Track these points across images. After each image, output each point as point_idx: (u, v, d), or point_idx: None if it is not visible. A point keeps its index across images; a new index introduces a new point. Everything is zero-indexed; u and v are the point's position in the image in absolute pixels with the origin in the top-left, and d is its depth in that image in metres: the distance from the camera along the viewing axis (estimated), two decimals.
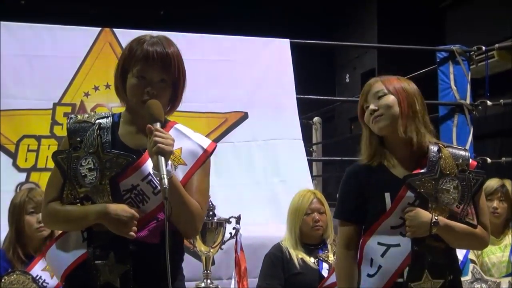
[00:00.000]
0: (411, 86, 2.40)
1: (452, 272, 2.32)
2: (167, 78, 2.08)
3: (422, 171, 2.30)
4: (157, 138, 1.94)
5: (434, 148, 2.34)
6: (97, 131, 2.09)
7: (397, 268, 2.28)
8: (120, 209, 2.01)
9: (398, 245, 2.30)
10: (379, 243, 2.32)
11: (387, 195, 2.30)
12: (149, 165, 2.04)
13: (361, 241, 2.38)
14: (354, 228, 2.40)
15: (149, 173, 2.05)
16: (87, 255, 2.05)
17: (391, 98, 2.33)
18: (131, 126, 2.14)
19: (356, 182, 2.40)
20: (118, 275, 2.02)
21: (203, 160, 2.14)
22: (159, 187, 2.04)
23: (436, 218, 2.24)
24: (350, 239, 2.40)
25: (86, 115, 2.18)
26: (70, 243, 2.12)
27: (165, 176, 1.89)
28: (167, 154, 1.95)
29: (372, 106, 2.33)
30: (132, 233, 2.01)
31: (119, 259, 2.03)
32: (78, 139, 2.09)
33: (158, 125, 2.00)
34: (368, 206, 2.35)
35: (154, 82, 2.06)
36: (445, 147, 2.36)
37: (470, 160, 2.37)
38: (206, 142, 2.18)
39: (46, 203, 2.11)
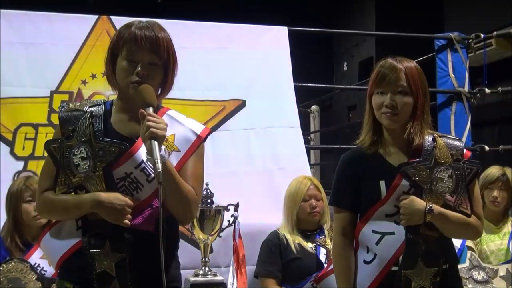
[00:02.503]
0: (426, 83, 2.36)
1: (448, 261, 2.32)
2: (157, 61, 2.07)
3: (417, 159, 2.30)
4: (149, 123, 1.94)
5: (428, 138, 2.34)
6: (89, 119, 2.08)
7: (392, 256, 2.28)
8: (113, 197, 2.01)
9: (393, 233, 2.30)
10: (373, 231, 2.32)
11: (382, 183, 2.31)
12: (142, 153, 2.04)
13: (356, 228, 2.38)
14: (349, 215, 2.40)
15: (143, 161, 2.05)
16: (82, 243, 2.04)
17: (410, 100, 2.29)
18: (123, 113, 2.13)
19: (351, 169, 2.40)
20: (114, 263, 2.02)
21: (197, 145, 2.13)
22: (153, 175, 2.04)
23: (431, 206, 2.24)
24: (346, 226, 2.40)
25: (78, 103, 2.17)
26: (63, 231, 2.11)
27: (158, 160, 1.88)
28: (160, 139, 1.94)
29: (390, 101, 2.28)
30: (126, 221, 2.01)
31: (115, 248, 2.03)
32: (70, 127, 2.08)
33: (150, 109, 1.99)
34: (363, 193, 2.35)
35: (144, 64, 2.04)
36: (440, 137, 2.37)
37: (465, 150, 2.37)
38: (199, 128, 2.17)
39: (40, 192, 2.11)
